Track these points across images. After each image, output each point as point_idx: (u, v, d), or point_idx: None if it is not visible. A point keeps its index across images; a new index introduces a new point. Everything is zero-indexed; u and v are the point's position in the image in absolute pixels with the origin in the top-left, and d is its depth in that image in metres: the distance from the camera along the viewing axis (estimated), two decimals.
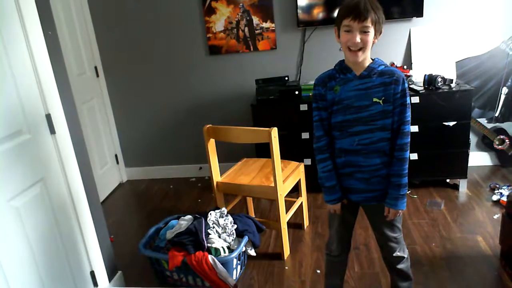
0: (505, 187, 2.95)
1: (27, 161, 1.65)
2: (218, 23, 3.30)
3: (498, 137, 3.24)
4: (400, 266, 1.72)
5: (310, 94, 3.01)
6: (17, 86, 1.61)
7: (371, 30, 1.41)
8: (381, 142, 1.51)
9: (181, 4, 3.31)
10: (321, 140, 1.60)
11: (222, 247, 2.16)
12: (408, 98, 1.49)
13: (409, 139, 1.52)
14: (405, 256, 1.71)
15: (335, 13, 3.05)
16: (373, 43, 1.45)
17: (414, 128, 2.86)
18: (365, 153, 1.53)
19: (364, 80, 1.49)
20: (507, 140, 3.23)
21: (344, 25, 1.43)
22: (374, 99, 1.48)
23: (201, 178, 3.72)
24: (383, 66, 1.50)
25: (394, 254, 1.69)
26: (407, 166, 1.53)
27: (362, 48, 1.43)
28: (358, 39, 1.41)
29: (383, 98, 1.47)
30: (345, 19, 1.42)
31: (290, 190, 2.46)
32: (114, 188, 3.69)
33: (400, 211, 1.57)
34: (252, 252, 2.33)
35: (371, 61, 1.51)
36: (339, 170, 1.60)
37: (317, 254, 2.43)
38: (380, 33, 1.46)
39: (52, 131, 1.79)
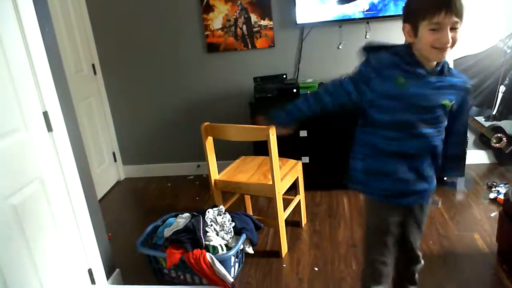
0: (502, 185, 2.96)
1: (24, 159, 1.65)
2: (216, 20, 3.29)
3: (496, 135, 3.25)
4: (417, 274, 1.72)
5: (308, 92, 3.01)
6: (14, 83, 1.60)
7: (460, 26, 1.25)
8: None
9: (179, 2, 3.30)
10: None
11: (220, 245, 2.16)
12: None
13: None
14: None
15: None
16: None
17: None
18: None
19: (439, 78, 1.36)
20: (504, 138, 3.24)
21: (433, 22, 1.23)
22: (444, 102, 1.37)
23: (199, 176, 3.72)
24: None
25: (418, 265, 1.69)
26: None
27: (451, 46, 1.27)
28: (450, 37, 1.24)
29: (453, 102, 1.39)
30: (435, 15, 1.22)
31: (288, 188, 2.46)
32: (111, 186, 3.68)
33: None
34: (250, 250, 2.33)
35: None
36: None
37: (314, 251, 2.44)
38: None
39: (50, 128, 1.78)
